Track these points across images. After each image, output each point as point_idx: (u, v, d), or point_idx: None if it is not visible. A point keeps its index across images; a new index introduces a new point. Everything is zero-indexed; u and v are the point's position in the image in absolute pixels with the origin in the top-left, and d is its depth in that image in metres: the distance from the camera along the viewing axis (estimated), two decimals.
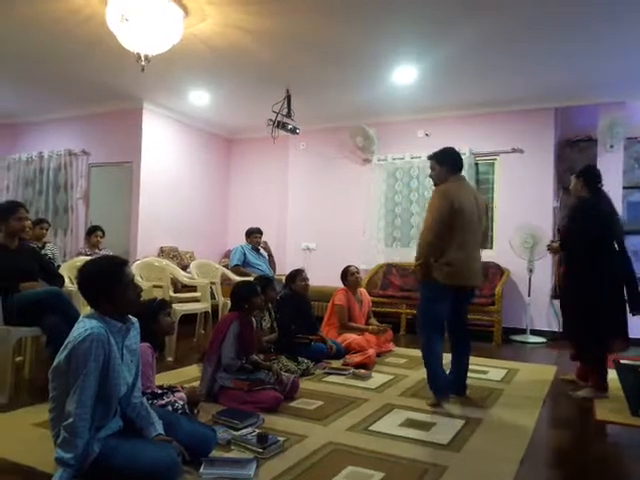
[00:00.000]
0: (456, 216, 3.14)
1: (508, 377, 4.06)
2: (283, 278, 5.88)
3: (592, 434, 2.99)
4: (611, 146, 5.98)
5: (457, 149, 3.53)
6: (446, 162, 3.35)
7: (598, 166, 6.05)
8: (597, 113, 6.02)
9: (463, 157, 3.62)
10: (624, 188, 6.03)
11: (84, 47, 4.84)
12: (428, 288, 3.25)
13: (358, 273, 5.07)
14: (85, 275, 2.04)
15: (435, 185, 3.40)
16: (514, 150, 6.35)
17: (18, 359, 3.84)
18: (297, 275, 4.63)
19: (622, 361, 3.37)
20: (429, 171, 3.45)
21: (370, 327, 4.94)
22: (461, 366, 3.46)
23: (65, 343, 1.93)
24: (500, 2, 3.83)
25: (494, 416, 3.07)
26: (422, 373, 4.05)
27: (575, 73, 5.26)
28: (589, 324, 3.46)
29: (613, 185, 6.00)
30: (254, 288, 3.49)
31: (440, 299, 3.24)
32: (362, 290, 5.27)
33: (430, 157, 3.45)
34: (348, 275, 5.02)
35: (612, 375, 3.44)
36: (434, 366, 3.25)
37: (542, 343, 5.80)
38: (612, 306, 3.45)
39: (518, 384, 3.86)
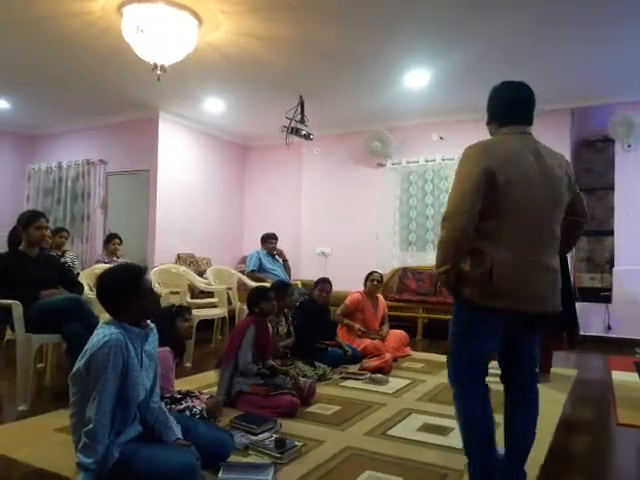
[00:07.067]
0: (500, 193, 1.87)
1: None
2: (299, 283, 5.93)
3: (614, 438, 2.95)
4: (629, 145, 5.90)
5: None
6: (495, 103, 2.17)
7: (616, 166, 6.08)
8: (613, 113, 5.95)
9: None
10: None
11: (101, 58, 4.93)
12: (458, 312, 2.02)
13: (379, 282, 5.04)
14: (103, 284, 2.06)
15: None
16: None
17: (39, 366, 3.90)
18: (318, 284, 4.66)
19: None
20: (444, 173, 2.30)
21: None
22: (512, 436, 2.07)
23: (84, 350, 1.95)
24: (513, 4, 3.82)
25: None
26: (440, 377, 4.04)
27: (591, 73, 5.20)
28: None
29: (631, 185, 5.95)
30: (265, 293, 3.47)
31: (478, 331, 1.95)
32: (379, 296, 5.26)
33: None
34: (368, 281, 5.02)
35: (632, 377, 3.38)
36: (468, 441, 2.00)
37: None
38: None
39: None
